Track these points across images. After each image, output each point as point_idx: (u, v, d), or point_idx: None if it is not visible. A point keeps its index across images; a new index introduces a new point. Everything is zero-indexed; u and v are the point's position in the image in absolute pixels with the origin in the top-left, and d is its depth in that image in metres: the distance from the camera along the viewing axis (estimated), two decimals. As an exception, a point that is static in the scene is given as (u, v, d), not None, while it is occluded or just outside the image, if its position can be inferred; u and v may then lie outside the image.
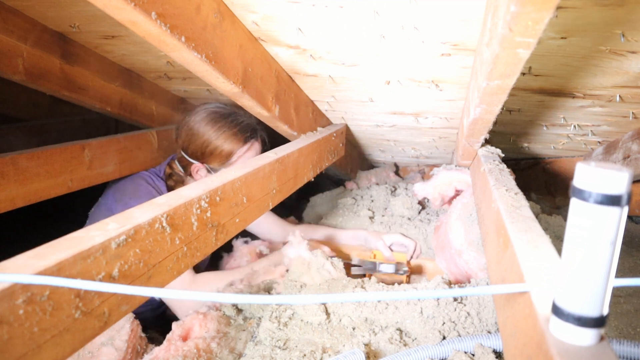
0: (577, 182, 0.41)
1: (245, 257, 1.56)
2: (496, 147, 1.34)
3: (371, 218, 1.70)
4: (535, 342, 0.46)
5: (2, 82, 1.37)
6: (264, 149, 1.57)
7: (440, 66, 1.19)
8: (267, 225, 1.71)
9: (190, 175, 1.53)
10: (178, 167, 1.56)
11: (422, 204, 1.75)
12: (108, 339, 1.04)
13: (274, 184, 1.09)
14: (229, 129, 1.49)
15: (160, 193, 1.51)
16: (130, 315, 1.09)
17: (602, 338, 0.43)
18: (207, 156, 1.50)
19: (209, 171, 1.50)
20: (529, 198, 1.92)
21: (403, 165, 2.38)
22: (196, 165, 1.51)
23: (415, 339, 1.02)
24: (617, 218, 0.39)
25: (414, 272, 1.53)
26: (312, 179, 1.41)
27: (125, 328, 1.06)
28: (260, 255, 1.54)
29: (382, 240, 1.56)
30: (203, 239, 0.80)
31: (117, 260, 0.59)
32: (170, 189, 1.55)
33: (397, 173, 2.31)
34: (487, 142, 1.34)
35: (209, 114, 1.52)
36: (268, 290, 1.28)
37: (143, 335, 1.10)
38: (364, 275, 1.44)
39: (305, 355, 0.95)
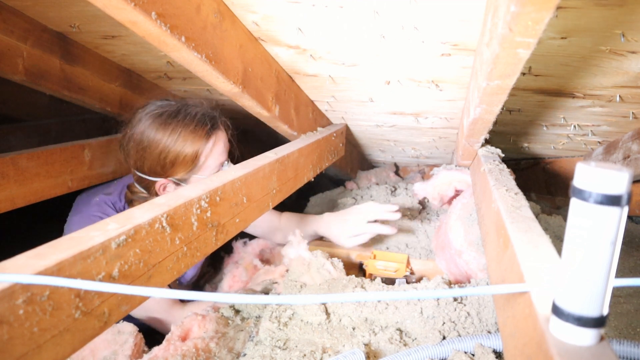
0: (577, 182, 0.41)
1: (250, 255, 1.54)
2: (496, 147, 1.33)
3: (371, 218, 1.69)
4: (535, 342, 0.46)
5: (2, 82, 1.37)
6: (231, 134, 1.41)
7: (440, 66, 1.18)
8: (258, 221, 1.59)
9: (156, 194, 1.30)
10: (139, 189, 1.35)
11: (422, 204, 1.75)
12: (111, 353, 1.03)
13: (274, 184, 1.10)
14: (184, 127, 1.26)
15: None
16: (134, 329, 1.08)
17: (602, 338, 0.43)
18: (169, 168, 1.27)
19: (177, 184, 1.29)
20: (529, 198, 1.92)
21: (403, 165, 2.38)
22: (160, 181, 1.29)
23: (415, 339, 1.02)
24: (617, 218, 0.39)
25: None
26: (312, 179, 1.41)
27: (128, 342, 1.04)
28: (256, 269, 1.48)
29: (347, 240, 1.41)
30: (203, 239, 0.80)
31: (117, 260, 0.59)
32: None
33: (397, 173, 2.31)
34: (487, 142, 1.33)
35: (155, 118, 1.26)
36: (268, 290, 1.28)
37: (146, 349, 1.09)
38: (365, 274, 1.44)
39: (305, 355, 0.95)
